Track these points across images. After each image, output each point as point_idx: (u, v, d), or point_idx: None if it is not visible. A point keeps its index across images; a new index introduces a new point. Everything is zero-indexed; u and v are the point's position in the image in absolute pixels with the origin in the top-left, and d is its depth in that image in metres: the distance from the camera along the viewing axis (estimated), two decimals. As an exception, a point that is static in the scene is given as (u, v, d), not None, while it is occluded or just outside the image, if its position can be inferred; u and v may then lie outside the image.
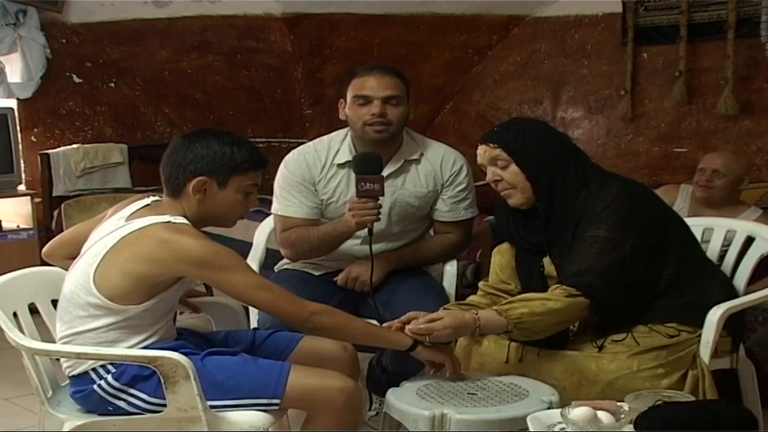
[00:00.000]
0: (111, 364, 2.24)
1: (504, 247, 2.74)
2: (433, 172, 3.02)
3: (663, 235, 2.49)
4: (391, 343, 2.41)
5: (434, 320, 2.34)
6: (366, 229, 2.76)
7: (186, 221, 2.26)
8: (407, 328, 2.36)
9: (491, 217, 3.88)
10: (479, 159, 2.60)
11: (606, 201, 2.44)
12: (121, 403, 2.23)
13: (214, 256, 2.21)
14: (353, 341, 2.48)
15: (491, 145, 2.55)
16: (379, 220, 2.78)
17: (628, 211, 2.43)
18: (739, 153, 4.15)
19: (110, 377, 2.23)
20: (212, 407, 2.20)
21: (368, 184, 2.73)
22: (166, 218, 2.24)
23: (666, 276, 2.49)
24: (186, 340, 2.38)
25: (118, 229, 2.25)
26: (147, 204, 2.33)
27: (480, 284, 2.76)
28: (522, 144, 2.52)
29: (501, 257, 2.73)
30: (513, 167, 2.52)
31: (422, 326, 2.33)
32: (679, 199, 3.81)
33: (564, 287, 2.38)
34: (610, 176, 2.58)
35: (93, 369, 2.25)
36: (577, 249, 2.43)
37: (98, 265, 2.22)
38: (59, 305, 2.33)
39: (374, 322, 2.87)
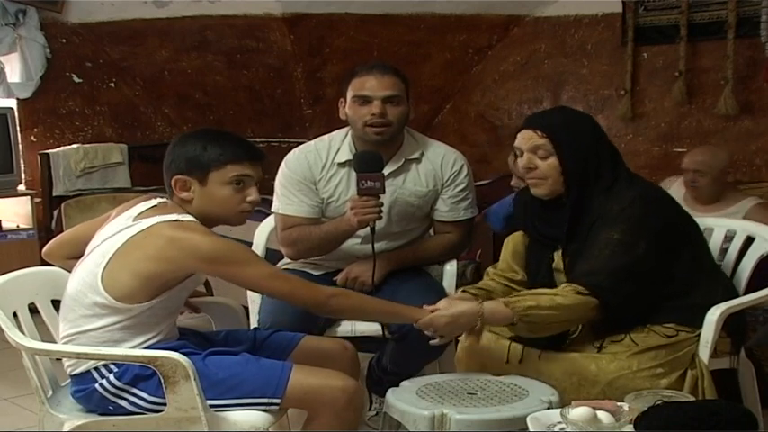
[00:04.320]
0: (113, 363, 2.24)
1: (518, 235, 2.72)
2: (433, 171, 3.02)
3: (675, 240, 2.49)
4: (410, 318, 2.43)
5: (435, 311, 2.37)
6: (367, 228, 2.77)
7: (194, 219, 2.28)
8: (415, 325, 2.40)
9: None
10: (518, 143, 2.54)
11: (622, 204, 2.43)
12: (123, 402, 2.24)
13: (225, 250, 2.22)
14: (372, 320, 2.52)
15: (539, 133, 2.50)
16: (380, 218, 2.78)
17: (643, 216, 2.42)
18: (718, 146, 4.19)
19: (111, 376, 2.23)
20: (213, 406, 2.20)
21: (369, 182, 2.73)
22: (174, 216, 2.26)
23: (674, 280, 2.49)
24: (188, 340, 2.39)
25: (125, 229, 2.26)
26: (155, 205, 2.34)
27: (489, 270, 2.76)
28: (570, 139, 2.48)
29: (514, 246, 2.72)
30: (553, 160, 2.49)
31: (423, 319, 2.36)
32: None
33: (573, 285, 2.38)
34: (635, 179, 2.56)
35: (96, 368, 2.25)
36: (590, 250, 2.43)
37: (106, 265, 2.23)
38: (63, 304, 2.33)
39: (377, 326, 2.88)
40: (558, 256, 2.57)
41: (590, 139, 2.53)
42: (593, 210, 2.47)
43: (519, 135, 2.55)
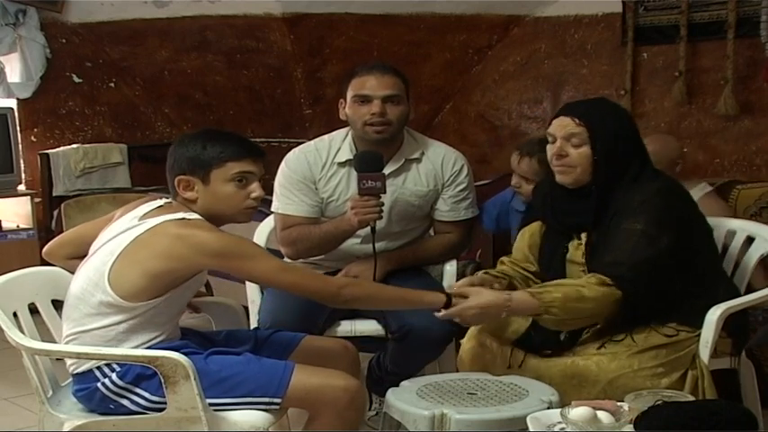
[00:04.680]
0: (115, 362, 2.24)
1: (536, 226, 2.71)
2: (433, 171, 3.02)
3: (692, 236, 2.50)
4: (425, 303, 2.41)
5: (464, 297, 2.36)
6: (367, 228, 2.76)
7: (200, 217, 2.29)
8: (438, 315, 2.38)
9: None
10: (553, 129, 2.53)
11: (645, 194, 2.43)
12: (125, 402, 2.24)
13: (232, 246, 2.23)
14: (387, 307, 2.50)
15: (576, 121, 2.48)
16: (381, 218, 2.78)
17: (665, 208, 2.43)
18: (669, 135, 4.17)
19: (114, 375, 2.24)
20: (215, 404, 2.20)
21: (370, 182, 2.73)
22: (180, 215, 2.27)
23: (687, 278, 2.49)
24: (190, 340, 2.39)
25: (132, 228, 2.27)
26: (160, 206, 2.35)
27: (504, 258, 2.73)
28: (607, 131, 2.47)
29: (530, 237, 2.70)
30: (586, 149, 2.47)
31: (452, 310, 2.35)
32: None
33: (597, 276, 2.37)
34: (659, 174, 2.57)
35: (98, 367, 2.26)
36: (613, 241, 2.42)
37: (113, 264, 2.23)
38: (67, 303, 2.34)
39: (377, 325, 2.88)
40: (572, 246, 2.57)
41: (625, 132, 2.52)
42: (616, 202, 2.46)
43: (555, 121, 2.53)
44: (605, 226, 2.47)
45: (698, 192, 3.58)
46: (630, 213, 2.42)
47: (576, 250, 2.56)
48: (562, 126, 2.50)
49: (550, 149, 2.53)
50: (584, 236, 2.55)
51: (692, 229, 2.50)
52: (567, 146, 2.49)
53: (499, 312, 2.36)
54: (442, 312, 2.37)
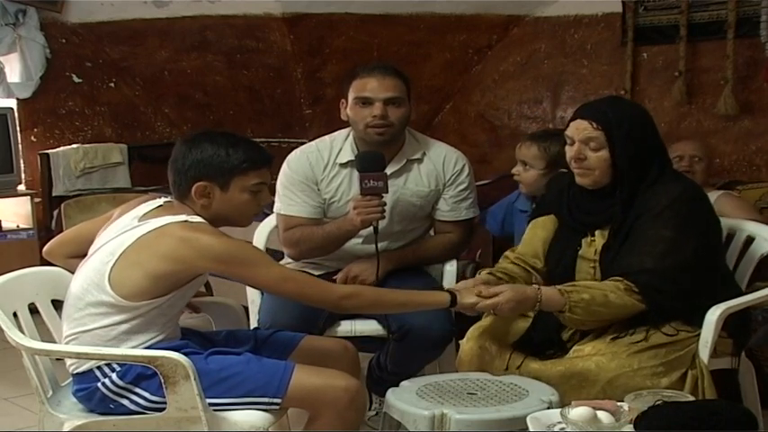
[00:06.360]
0: (115, 362, 2.24)
1: (549, 221, 2.68)
2: (434, 171, 3.02)
3: (712, 240, 2.51)
4: (429, 304, 2.43)
5: (496, 294, 2.36)
6: (369, 228, 2.76)
7: (203, 220, 2.28)
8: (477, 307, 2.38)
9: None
10: (571, 132, 2.51)
11: (669, 199, 2.43)
12: (125, 402, 2.24)
13: (236, 251, 2.23)
14: (391, 312, 2.54)
15: (594, 125, 2.46)
16: (384, 218, 2.78)
17: (689, 213, 2.43)
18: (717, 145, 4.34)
19: (114, 375, 2.24)
20: (215, 404, 2.20)
21: (372, 182, 2.73)
22: (183, 217, 2.26)
23: (697, 280, 2.48)
24: (190, 340, 2.39)
25: (133, 229, 2.26)
26: (160, 205, 2.34)
27: (507, 253, 2.72)
28: (625, 134, 2.45)
29: (543, 233, 2.68)
30: (604, 153, 2.46)
31: (487, 302, 2.35)
32: None
33: (627, 282, 2.38)
34: (679, 175, 2.57)
35: (98, 367, 2.26)
36: (639, 245, 2.42)
37: (114, 264, 2.23)
38: (67, 303, 2.33)
39: (377, 325, 2.88)
40: (585, 243, 2.56)
41: (644, 135, 2.50)
42: (638, 203, 2.46)
43: (572, 123, 2.52)
44: (626, 227, 2.46)
45: (713, 195, 3.65)
46: (656, 217, 2.42)
47: (588, 247, 2.55)
48: (580, 129, 2.49)
49: (569, 151, 2.53)
50: (598, 233, 2.54)
51: (710, 233, 2.51)
52: (586, 149, 2.48)
53: (530, 307, 2.39)
54: (481, 304, 2.36)
